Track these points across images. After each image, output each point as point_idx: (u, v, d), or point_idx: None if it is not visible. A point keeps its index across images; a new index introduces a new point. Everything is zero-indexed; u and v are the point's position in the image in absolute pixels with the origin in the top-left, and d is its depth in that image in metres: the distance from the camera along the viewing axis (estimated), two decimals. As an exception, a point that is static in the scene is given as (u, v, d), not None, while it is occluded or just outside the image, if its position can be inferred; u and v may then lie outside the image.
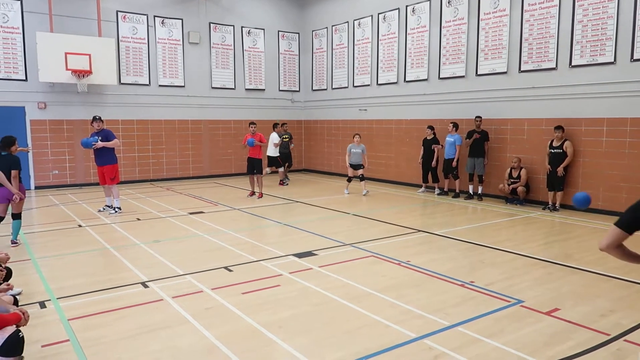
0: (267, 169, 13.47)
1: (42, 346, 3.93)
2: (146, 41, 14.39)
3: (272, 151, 13.81)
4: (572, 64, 9.93)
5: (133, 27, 14.16)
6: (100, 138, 9.43)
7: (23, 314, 3.33)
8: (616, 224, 2.36)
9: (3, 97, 12.49)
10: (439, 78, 12.66)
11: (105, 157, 9.58)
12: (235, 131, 16.12)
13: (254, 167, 11.71)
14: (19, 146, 7.33)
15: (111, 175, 9.61)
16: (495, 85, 11.37)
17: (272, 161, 13.96)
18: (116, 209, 9.66)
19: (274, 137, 13.86)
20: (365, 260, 6.44)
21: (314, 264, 6.21)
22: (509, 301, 4.94)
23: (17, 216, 7.14)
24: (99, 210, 9.93)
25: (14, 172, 6.82)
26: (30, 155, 12.84)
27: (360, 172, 12.40)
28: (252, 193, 11.92)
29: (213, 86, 15.68)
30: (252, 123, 11.94)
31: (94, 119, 9.64)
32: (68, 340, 4.07)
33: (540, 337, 4.13)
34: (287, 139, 14.44)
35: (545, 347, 3.92)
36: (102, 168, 9.65)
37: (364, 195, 12.10)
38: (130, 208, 10.31)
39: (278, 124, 14.35)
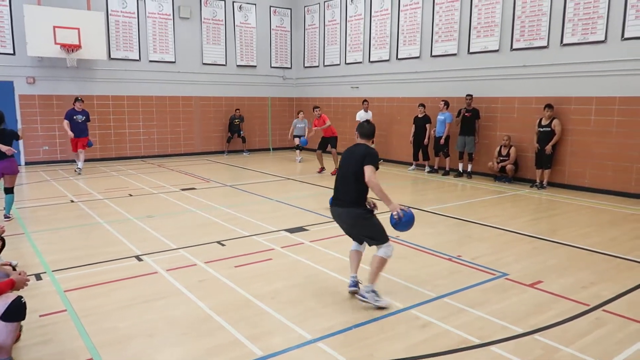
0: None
1: (40, 316, 4.02)
2: (136, 15, 14.17)
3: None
4: (564, 42, 9.98)
5: (122, 1, 13.92)
6: (84, 117, 11.76)
7: (19, 274, 3.36)
8: None
9: (-9, 71, 12.33)
10: (431, 56, 12.66)
11: (86, 131, 11.93)
12: (226, 108, 16.05)
13: (326, 144, 12.05)
14: None
15: (84, 143, 11.91)
16: (486, 64, 11.40)
17: None
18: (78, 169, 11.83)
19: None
20: (355, 235, 6.54)
21: (305, 239, 6.32)
22: (494, 274, 5.10)
23: (9, 190, 7.16)
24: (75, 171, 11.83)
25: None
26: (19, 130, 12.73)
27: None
28: (322, 169, 12.25)
29: (204, 62, 15.53)
30: (316, 107, 12.48)
31: (77, 99, 11.72)
32: (65, 310, 4.17)
33: (523, 307, 4.29)
34: (237, 122, 15.74)
35: (527, 317, 4.08)
36: (80, 139, 11.77)
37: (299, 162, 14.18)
38: (122, 184, 10.33)
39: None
